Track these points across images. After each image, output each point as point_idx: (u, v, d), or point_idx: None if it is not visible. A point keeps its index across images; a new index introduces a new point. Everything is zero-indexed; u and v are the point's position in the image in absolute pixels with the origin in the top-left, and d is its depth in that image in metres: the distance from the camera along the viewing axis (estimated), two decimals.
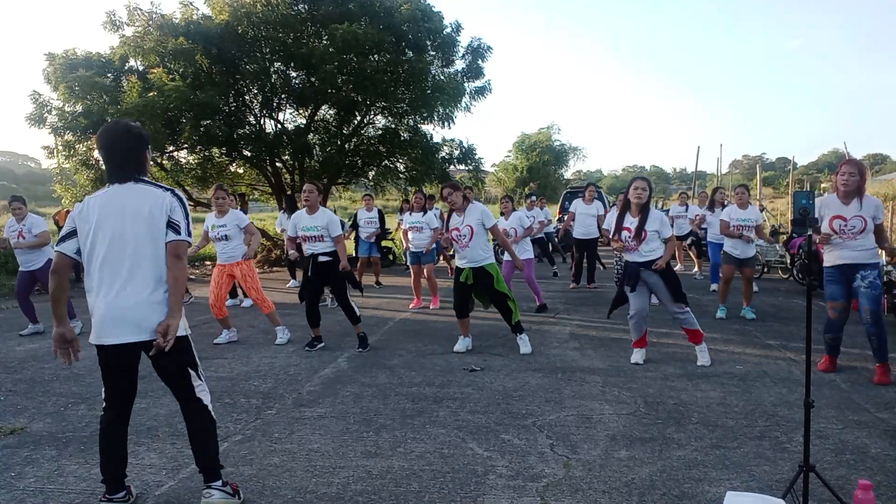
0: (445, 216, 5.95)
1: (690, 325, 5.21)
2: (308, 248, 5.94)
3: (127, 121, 3.00)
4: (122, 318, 2.68)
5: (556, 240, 15.11)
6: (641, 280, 5.15)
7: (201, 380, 2.92)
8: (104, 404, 2.83)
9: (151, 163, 13.85)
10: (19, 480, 3.14)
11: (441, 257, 11.48)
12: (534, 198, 12.27)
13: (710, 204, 9.70)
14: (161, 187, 2.81)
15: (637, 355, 5.30)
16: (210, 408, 2.90)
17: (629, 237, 5.13)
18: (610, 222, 8.10)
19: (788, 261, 10.73)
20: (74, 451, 3.51)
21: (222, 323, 6.36)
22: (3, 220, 23.64)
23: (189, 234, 2.79)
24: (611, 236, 5.37)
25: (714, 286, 9.34)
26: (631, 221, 5.17)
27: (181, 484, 3.07)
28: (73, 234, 2.77)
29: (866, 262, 4.63)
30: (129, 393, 2.87)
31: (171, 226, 2.74)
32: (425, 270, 8.40)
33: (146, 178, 2.83)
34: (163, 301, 2.73)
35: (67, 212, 11.77)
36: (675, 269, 11.45)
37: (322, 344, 5.96)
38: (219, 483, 2.86)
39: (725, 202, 9.09)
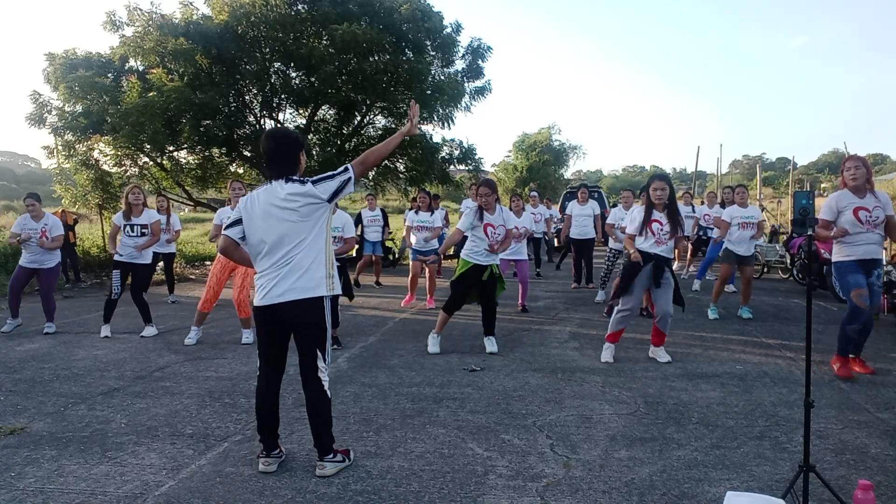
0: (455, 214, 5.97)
1: (667, 328, 5.27)
2: None
3: (287, 128, 3.36)
4: (282, 295, 3.12)
5: (553, 241, 15.13)
6: (660, 273, 5.17)
7: (325, 361, 3.22)
8: (258, 372, 3.29)
9: (153, 163, 13.76)
10: (19, 480, 3.14)
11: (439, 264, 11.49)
12: (535, 194, 12.36)
13: (721, 202, 9.99)
14: (302, 182, 3.15)
15: (607, 353, 5.31)
16: (328, 389, 3.23)
17: (660, 229, 5.14)
18: (616, 219, 8.14)
19: (788, 261, 10.74)
20: (74, 451, 3.51)
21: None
22: (3, 220, 23.65)
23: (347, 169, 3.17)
24: (633, 232, 5.33)
25: (697, 284, 9.44)
26: (659, 216, 5.18)
27: (181, 484, 3.07)
28: (239, 221, 3.22)
29: (880, 257, 4.81)
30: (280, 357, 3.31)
31: (324, 180, 3.14)
32: (427, 270, 8.39)
33: (296, 177, 3.18)
34: (318, 283, 3.13)
35: (64, 212, 11.74)
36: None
37: None
38: (330, 456, 3.19)
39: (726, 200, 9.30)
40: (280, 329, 3.23)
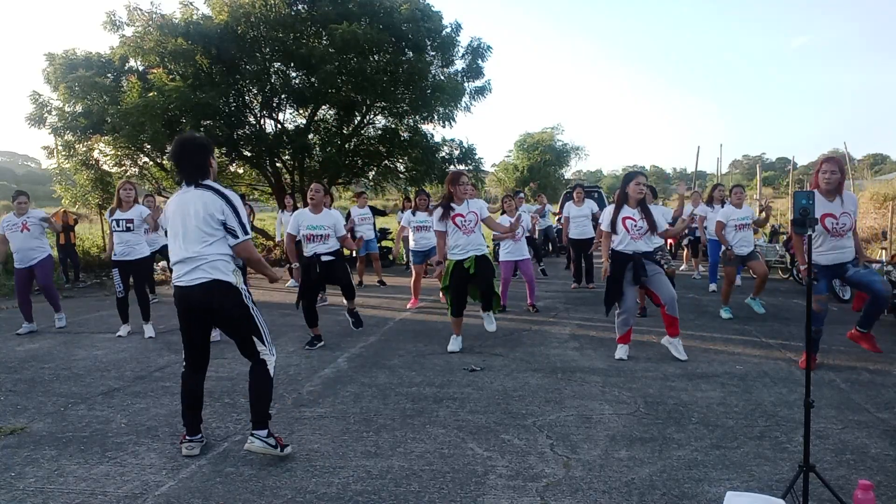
0: (433, 211, 5.94)
1: (676, 312, 5.23)
2: (311, 248, 5.94)
3: (193, 133, 3.53)
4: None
5: (554, 237, 15.17)
6: (643, 271, 5.17)
7: (265, 345, 3.39)
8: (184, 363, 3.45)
9: (153, 163, 13.73)
10: (19, 480, 3.14)
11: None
12: (521, 195, 12.42)
13: (708, 200, 9.68)
14: (217, 192, 3.25)
15: (621, 351, 5.33)
16: (271, 370, 3.42)
17: (634, 225, 5.16)
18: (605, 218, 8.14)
19: (788, 261, 10.73)
20: (74, 451, 3.51)
21: None
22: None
23: (246, 232, 3.30)
24: (607, 229, 5.38)
25: (713, 286, 9.33)
26: (631, 212, 5.20)
27: (181, 484, 3.07)
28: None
29: (848, 258, 4.77)
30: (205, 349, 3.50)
31: (229, 231, 3.25)
32: (436, 272, 8.37)
33: (207, 182, 3.29)
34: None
35: (65, 212, 11.75)
36: (679, 269, 11.48)
37: (321, 343, 5.98)
38: (263, 433, 3.29)
39: (725, 200, 9.09)
40: None
